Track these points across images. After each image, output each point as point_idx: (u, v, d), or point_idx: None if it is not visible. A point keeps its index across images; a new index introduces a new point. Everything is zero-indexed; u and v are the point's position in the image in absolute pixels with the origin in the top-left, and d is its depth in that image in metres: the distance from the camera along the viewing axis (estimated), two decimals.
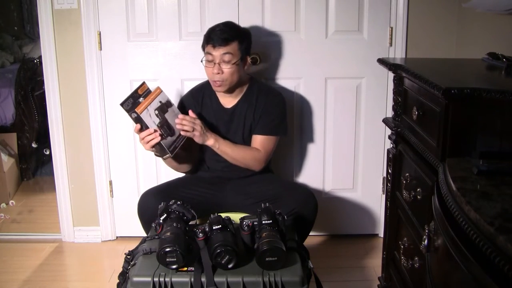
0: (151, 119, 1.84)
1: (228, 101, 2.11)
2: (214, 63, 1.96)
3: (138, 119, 1.82)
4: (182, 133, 1.91)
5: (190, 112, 1.97)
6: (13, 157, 3.51)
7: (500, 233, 0.77)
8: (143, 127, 1.83)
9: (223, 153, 2.02)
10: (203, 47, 2.04)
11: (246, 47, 2.04)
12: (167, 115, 1.91)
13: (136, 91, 1.87)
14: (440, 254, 1.05)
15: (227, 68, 1.97)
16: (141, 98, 1.86)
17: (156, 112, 1.87)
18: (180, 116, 1.91)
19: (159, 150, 1.89)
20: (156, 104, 1.88)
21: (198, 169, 2.17)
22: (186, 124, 1.90)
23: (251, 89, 2.11)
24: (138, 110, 1.81)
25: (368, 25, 2.42)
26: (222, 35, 1.96)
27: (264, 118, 2.08)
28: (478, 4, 1.96)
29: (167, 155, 1.90)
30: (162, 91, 1.94)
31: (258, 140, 2.09)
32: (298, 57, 2.45)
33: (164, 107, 1.91)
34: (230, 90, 2.05)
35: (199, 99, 2.13)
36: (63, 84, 2.50)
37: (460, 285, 0.93)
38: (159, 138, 1.83)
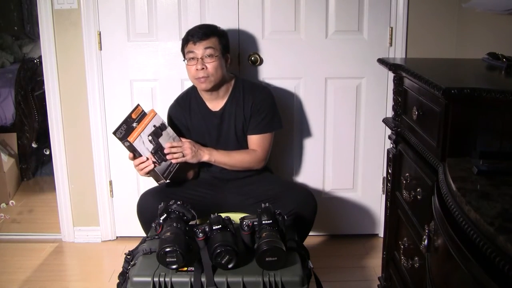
0: (144, 146, 1.83)
1: (215, 104, 2.10)
2: (197, 59, 1.96)
3: (131, 148, 1.80)
4: (174, 161, 1.91)
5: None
6: (13, 157, 3.51)
7: (500, 233, 0.77)
8: (136, 154, 1.83)
9: (220, 164, 2.03)
10: (183, 49, 2.04)
11: (225, 44, 2.05)
12: (161, 139, 1.89)
13: (130, 115, 1.85)
14: (440, 254, 1.05)
15: (210, 62, 1.96)
16: (135, 123, 1.84)
17: (150, 138, 1.86)
18: (167, 144, 1.90)
19: (153, 176, 1.88)
20: (150, 129, 1.86)
21: (198, 170, 2.17)
22: (175, 152, 1.91)
23: (236, 89, 2.10)
24: (130, 138, 1.79)
25: (368, 25, 2.42)
26: (201, 30, 1.99)
27: (255, 117, 2.07)
28: (478, 4, 1.96)
29: (161, 180, 1.89)
30: (156, 113, 1.92)
31: (253, 140, 2.09)
32: (298, 57, 2.45)
33: (158, 131, 1.90)
34: (215, 88, 2.03)
35: (186, 107, 2.12)
36: (63, 84, 2.50)
37: (460, 285, 0.93)
38: (152, 166, 1.83)
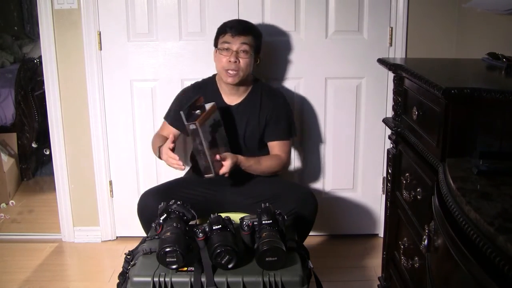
0: (206, 135, 1.77)
1: (232, 99, 2.12)
2: (232, 52, 1.98)
3: (195, 132, 1.72)
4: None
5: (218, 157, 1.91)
6: (13, 157, 3.51)
7: (500, 233, 0.77)
8: (196, 140, 1.76)
9: (249, 171, 2.02)
10: (217, 39, 2.06)
11: (259, 45, 2.08)
12: (217, 135, 1.86)
13: (193, 103, 1.80)
14: (440, 254, 1.05)
15: (244, 58, 1.99)
16: (198, 111, 1.80)
17: (210, 129, 1.82)
18: (223, 172, 1.87)
19: (204, 169, 1.81)
20: (211, 121, 1.83)
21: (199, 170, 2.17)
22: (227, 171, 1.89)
23: (255, 90, 2.13)
24: (198, 122, 1.71)
25: (368, 25, 2.42)
26: (241, 25, 2.02)
27: (275, 123, 2.09)
28: (478, 4, 1.96)
29: (211, 174, 1.82)
30: (217, 109, 1.90)
31: (276, 146, 2.12)
32: (298, 57, 2.45)
33: (216, 127, 1.87)
34: (239, 84, 2.06)
35: (201, 92, 2.11)
36: (63, 84, 2.50)
37: (460, 285, 0.93)
38: (182, 167, 1.87)
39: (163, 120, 2.24)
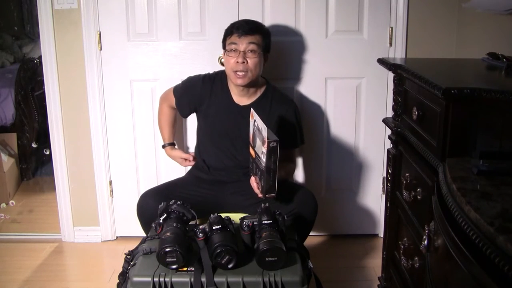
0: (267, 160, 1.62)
1: (241, 100, 2.10)
2: (239, 52, 1.96)
3: (273, 150, 1.57)
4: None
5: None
6: (13, 157, 3.51)
7: (500, 233, 0.77)
8: (271, 158, 1.60)
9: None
10: (224, 40, 2.04)
11: (267, 44, 2.06)
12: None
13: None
14: (440, 254, 1.05)
15: (252, 58, 1.97)
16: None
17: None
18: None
19: (269, 188, 1.68)
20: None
21: (198, 170, 2.17)
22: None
23: (265, 95, 2.11)
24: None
25: (368, 25, 2.42)
26: (247, 25, 2.00)
27: (285, 132, 2.07)
28: (478, 4, 1.96)
29: (272, 194, 1.69)
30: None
31: (288, 153, 2.13)
32: (298, 57, 2.45)
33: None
34: (249, 85, 2.03)
35: (208, 88, 2.11)
36: (63, 84, 2.50)
37: (460, 285, 0.93)
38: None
39: (172, 88, 2.25)
